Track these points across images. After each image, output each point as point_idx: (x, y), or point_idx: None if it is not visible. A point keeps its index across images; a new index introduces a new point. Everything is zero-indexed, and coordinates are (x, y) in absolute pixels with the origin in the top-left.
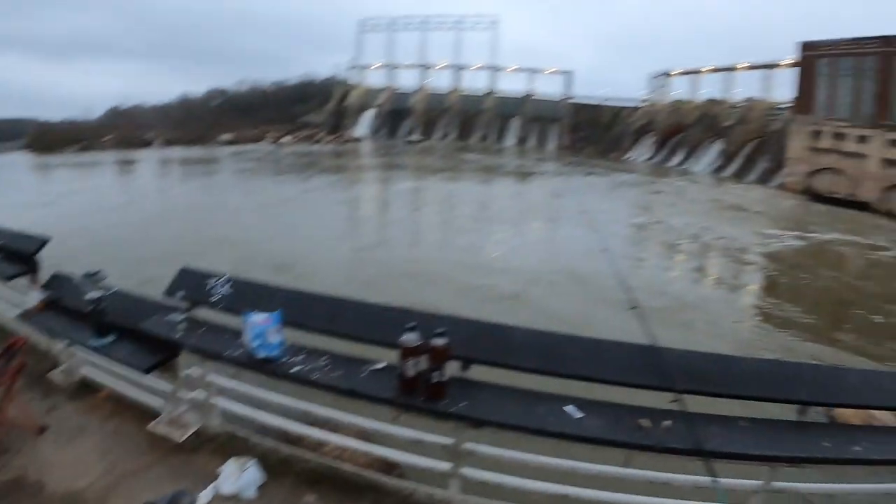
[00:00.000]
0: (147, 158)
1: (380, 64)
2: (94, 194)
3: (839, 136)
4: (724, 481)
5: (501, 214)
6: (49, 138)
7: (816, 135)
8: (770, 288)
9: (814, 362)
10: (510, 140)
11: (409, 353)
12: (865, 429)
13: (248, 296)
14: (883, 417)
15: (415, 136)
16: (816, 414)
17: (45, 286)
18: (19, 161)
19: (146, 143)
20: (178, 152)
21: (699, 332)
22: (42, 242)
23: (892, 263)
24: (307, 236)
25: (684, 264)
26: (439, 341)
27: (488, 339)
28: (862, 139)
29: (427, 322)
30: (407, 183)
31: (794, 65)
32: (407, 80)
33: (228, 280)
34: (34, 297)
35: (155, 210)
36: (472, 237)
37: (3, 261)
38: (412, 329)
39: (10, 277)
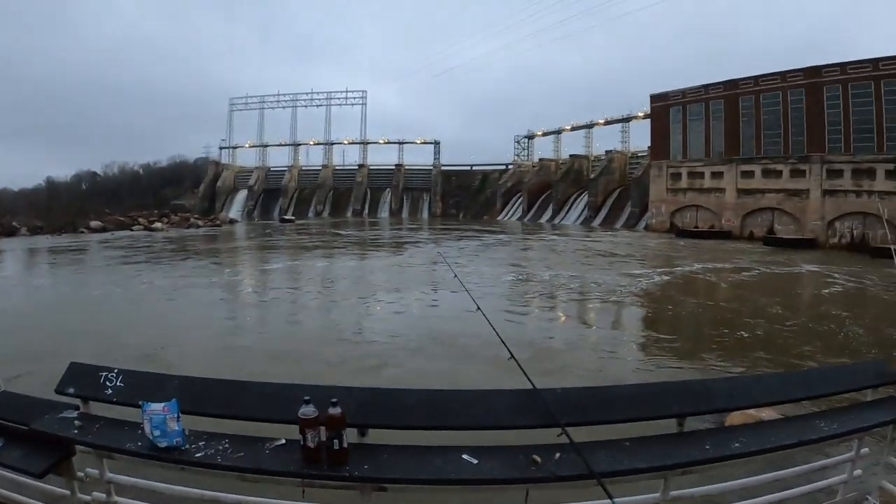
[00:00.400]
0: (10, 248)
1: (251, 143)
2: None
3: (696, 175)
4: (622, 500)
5: (375, 286)
6: None
7: (675, 177)
8: (640, 322)
9: (683, 379)
10: (384, 212)
11: (307, 425)
12: (744, 427)
13: (142, 387)
14: (768, 415)
15: (289, 215)
16: (701, 423)
17: None
18: None
19: (10, 232)
20: (44, 241)
21: (575, 371)
22: None
23: (753, 282)
24: (175, 324)
25: (554, 313)
26: (334, 411)
27: (380, 404)
28: (717, 175)
29: (322, 394)
30: (281, 262)
31: (648, 116)
32: (279, 158)
33: (121, 372)
34: None
35: (14, 304)
36: (344, 311)
37: None
38: (308, 402)
39: None
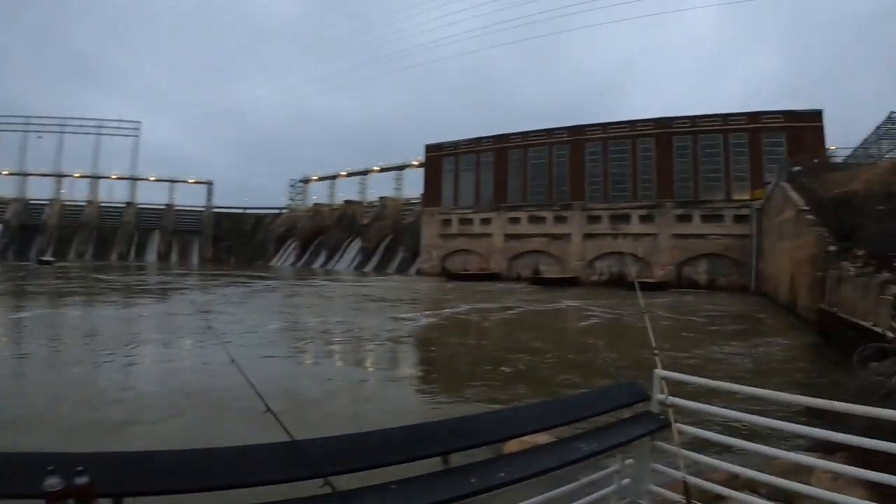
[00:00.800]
0: None
1: (9, 171)
2: None
3: (466, 222)
4: None
5: (128, 339)
6: None
7: (446, 223)
8: (403, 365)
9: (443, 418)
10: (152, 255)
11: (53, 498)
12: (515, 455)
13: None
14: (543, 439)
15: (48, 256)
16: (474, 457)
17: None
18: None
19: None
20: None
21: (336, 419)
22: None
23: (517, 319)
24: None
25: (315, 361)
26: (81, 480)
27: (133, 469)
28: (486, 221)
29: (68, 462)
30: (30, 311)
31: (423, 164)
32: (41, 190)
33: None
34: None
35: None
36: (90, 366)
37: None
38: (52, 472)
39: None
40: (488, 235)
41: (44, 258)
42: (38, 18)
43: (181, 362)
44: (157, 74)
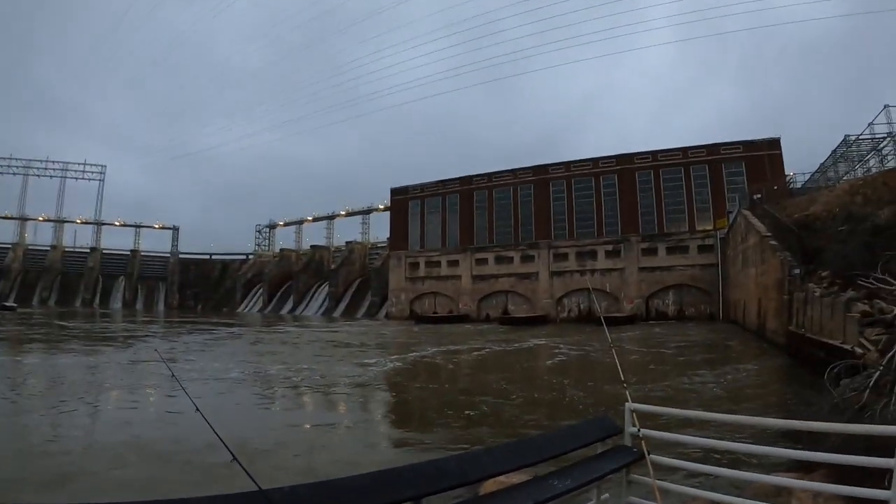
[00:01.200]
0: None
1: None
2: None
3: (433, 264)
4: None
5: (82, 388)
6: None
7: (414, 266)
8: (366, 411)
9: (412, 462)
10: (117, 302)
11: None
12: (489, 496)
13: None
14: (519, 478)
15: (10, 302)
16: (449, 500)
17: None
18: None
19: None
20: None
21: (297, 465)
22: None
23: (484, 361)
24: None
25: (279, 408)
26: None
27: None
28: (453, 263)
29: None
30: None
31: (388, 208)
32: (2, 234)
33: None
34: None
35: None
36: (38, 416)
37: None
38: None
39: None
40: (456, 277)
41: (6, 304)
42: (1, 54)
43: (138, 412)
44: (123, 118)
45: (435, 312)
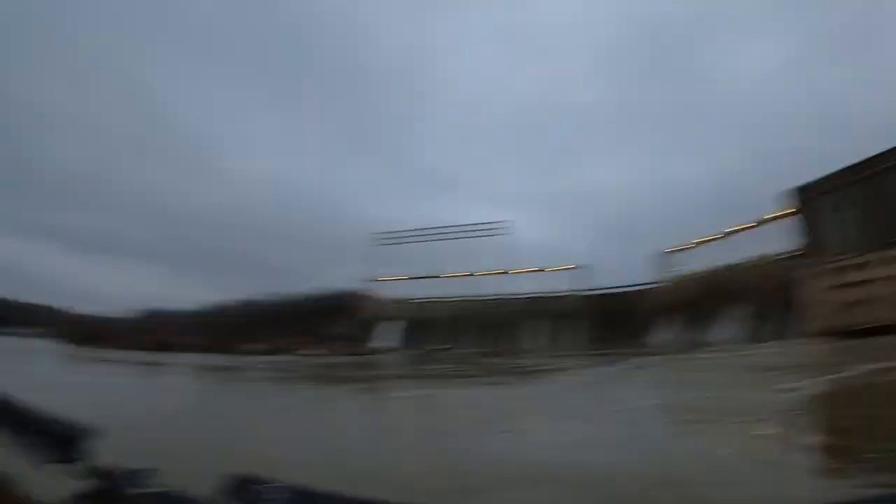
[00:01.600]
0: (179, 363)
1: (399, 276)
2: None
3: (862, 267)
4: None
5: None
6: (87, 332)
7: (837, 272)
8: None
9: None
10: (530, 340)
11: None
12: None
13: None
14: None
15: (439, 345)
16: None
17: (88, 476)
18: (59, 350)
19: (179, 348)
20: (207, 359)
21: None
22: (86, 430)
23: None
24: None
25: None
26: None
27: None
28: (887, 261)
29: None
30: (414, 391)
31: (791, 213)
32: (423, 290)
33: (287, 488)
34: (74, 488)
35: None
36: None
37: (44, 446)
38: None
39: (51, 463)
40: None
41: (435, 347)
42: (391, 148)
43: (602, 439)
44: (497, 176)
45: (868, 324)
